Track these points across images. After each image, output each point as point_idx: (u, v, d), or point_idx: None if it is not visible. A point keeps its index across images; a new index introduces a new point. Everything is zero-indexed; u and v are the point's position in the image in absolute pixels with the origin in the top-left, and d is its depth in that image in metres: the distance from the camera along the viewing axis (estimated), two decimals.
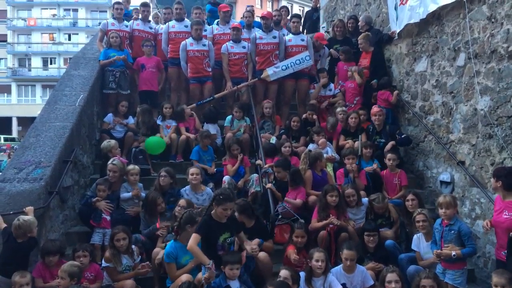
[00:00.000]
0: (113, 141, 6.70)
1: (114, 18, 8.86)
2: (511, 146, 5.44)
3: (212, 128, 7.76)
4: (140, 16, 9.16)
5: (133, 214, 5.87)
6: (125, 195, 5.93)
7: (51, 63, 43.89)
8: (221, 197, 4.67)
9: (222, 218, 4.70)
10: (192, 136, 7.48)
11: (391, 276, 4.31)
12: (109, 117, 7.66)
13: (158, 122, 7.74)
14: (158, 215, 5.61)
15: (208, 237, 4.68)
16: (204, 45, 8.44)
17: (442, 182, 6.81)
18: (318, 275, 4.62)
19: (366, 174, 6.64)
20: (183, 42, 8.43)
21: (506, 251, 4.52)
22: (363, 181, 6.52)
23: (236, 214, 5.10)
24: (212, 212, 4.77)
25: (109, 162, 6.04)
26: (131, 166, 6.18)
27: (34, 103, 38.99)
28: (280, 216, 5.87)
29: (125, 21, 8.89)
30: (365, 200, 6.01)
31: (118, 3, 8.95)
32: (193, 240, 4.54)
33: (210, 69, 8.51)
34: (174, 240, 4.86)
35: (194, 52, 8.36)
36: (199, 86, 8.47)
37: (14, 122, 40.38)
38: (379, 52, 8.62)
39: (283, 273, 4.46)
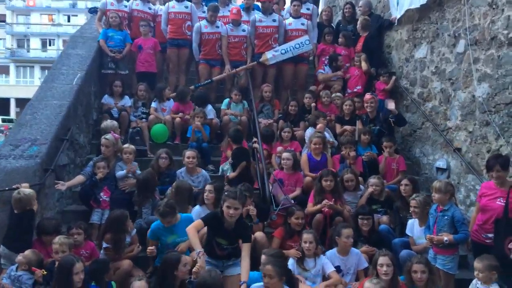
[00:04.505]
0: (114, 122, 6.71)
1: None
2: (508, 133, 5.44)
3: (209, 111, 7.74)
4: None
5: (128, 188, 5.83)
6: (120, 173, 5.91)
7: (50, 45, 43.55)
8: (225, 193, 4.48)
9: (228, 217, 4.37)
10: (187, 116, 7.45)
11: (383, 260, 4.33)
12: (106, 98, 7.65)
13: (153, 105, 7.66)
14: (154, 193, 5.63)
15: (210, 231, 4.57)
16: (217, 27, 8.42)
17: (438, 169, 6.83)
18: (309, 256, 4.66)
19: (363, 161, 6.65)
20: (197, 24, 8.40)
21: (493, 235, 4.61)
22: (359, 168, 6.52)
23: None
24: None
25: (102, 137, 6.05)
26: (126, 145, 6.17)
27: (32, 85, 38.57)
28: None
29: (124, 1, 8.80)
30: (362, 187, 6.04)
31: None
32: (195, 224, 4.47)
33: (221, 52, 8.51)
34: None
35: (209, 34, 8.36)
36: (208, 67, 8.48)
37: (12, 103, 40.17)
38: (373, 38, 8.57)
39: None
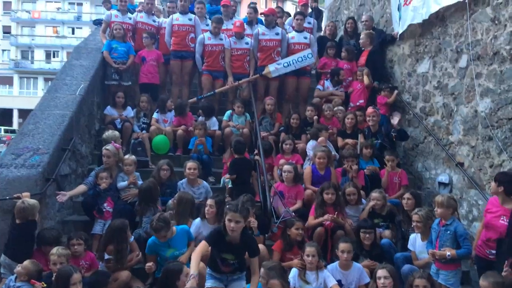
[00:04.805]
0: (116, 132, 6.71)
1: (118, 10, 8.86)
2: (511, 148, 5.42)
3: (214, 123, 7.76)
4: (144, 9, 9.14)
5: (130, 198, 5.82)
6: (121, 184, 5.91)
7: (54, 56, 43.83)
8: (227, 206, 4.33)
9: (230, 231, 4.21)
10: (190, 128, 7.46)
11: (381, 272, 4.33)
12: (108, 109, 7.67)
13: (155, 116, 7.68)
14: (156, 203, 5.60)
15: (214, 248, 4.45)
16: (221, 39, 8.48)
17: (440, 184, 6.79)
18: (311, 269, 4.61)
19: (365, 175, 6.62)
20: (200, 36, 8.47)
21: (495, 251, 4.56)
22: (361, 181, 6.49)
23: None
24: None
25: (103, 147, 6.04)
26: (126, 156, 6.17)
27: (35, 96, 38.67)
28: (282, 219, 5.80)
29: (128, 13, 8.89)
30: (364, 201, 6.01)
31: None
32: (200, 247, 4.31)
33: (224, 64, 8.55)
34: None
35: (212, 46, 8.42)
36: (210, 78, 8.51)
37: (15, 114, 40.29)
38: (377, 52, 8.61)
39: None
